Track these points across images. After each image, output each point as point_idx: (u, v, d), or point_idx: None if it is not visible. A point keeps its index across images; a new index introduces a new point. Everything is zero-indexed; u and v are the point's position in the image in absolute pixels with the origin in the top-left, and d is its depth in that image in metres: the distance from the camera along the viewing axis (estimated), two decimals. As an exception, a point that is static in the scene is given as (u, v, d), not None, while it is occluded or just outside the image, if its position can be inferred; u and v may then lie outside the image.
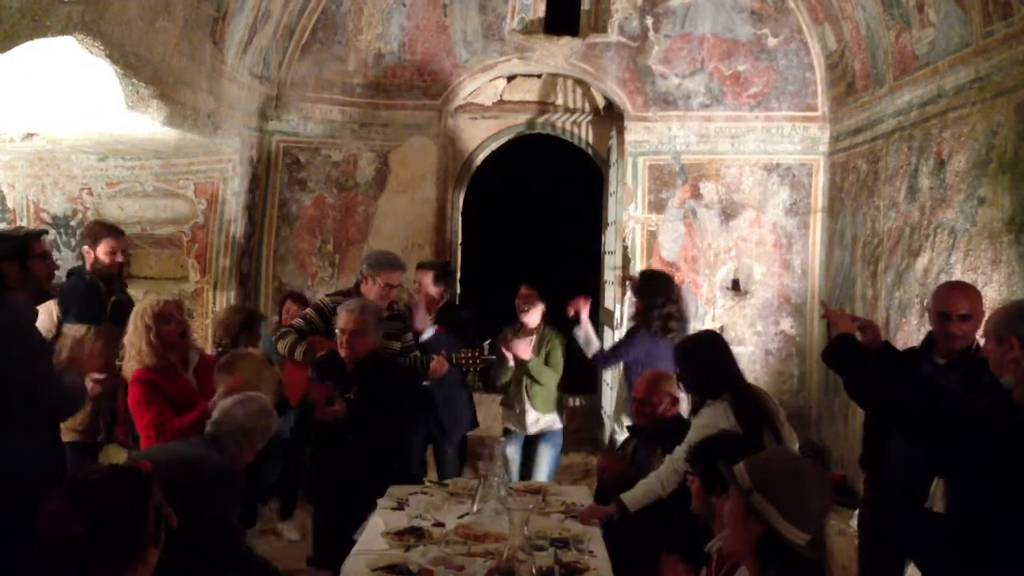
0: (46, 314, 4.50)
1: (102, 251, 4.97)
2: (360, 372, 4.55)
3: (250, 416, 3.53)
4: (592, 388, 8.63)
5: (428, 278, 5.83)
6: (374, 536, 3.74)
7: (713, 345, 4.29)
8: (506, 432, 5.85)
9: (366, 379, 4.52)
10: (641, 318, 5.73)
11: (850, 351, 3.30)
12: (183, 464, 3.22)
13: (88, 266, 4.97)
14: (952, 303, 3.75)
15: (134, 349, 4.04)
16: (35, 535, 1.96)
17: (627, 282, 6.79)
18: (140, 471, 2.09)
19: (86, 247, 5.01)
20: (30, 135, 6.23)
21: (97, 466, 2.56)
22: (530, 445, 5.83)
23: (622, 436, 5.36)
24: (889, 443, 3.82)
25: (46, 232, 3.94)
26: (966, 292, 3.84)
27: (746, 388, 4.13)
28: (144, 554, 1.99)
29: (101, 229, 5.10)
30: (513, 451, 5.75)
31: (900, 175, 5.95)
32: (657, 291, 5.71)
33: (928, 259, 5.51)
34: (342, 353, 4.58)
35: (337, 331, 4.61)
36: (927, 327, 5.33)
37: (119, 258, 5.05)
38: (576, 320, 5.83)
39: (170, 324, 4.08)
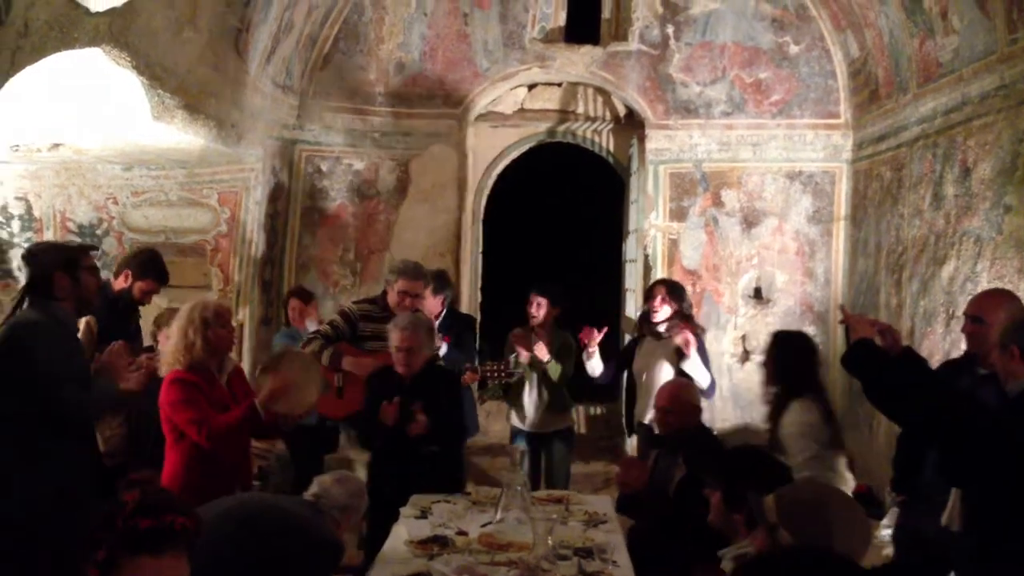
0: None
1: (139, 287, 4.95)
2: (418, 385, 4.57)
3: (351, 494, 3.54)
4: (612, 396, 8.60)
5: (427, 290, 5.82)
6: (398, 545, 3.74)
7: (810, 343, 4.48)
8: (514, 433, 5.91)
9: (425, 392, 4.55)
10: (690, 325, 5.65)
11: (869, 356, 3.27)
12: (293, 522, 3.22)
13: (115, 288, 4.90)
14: (969, 305, 3.78)
15: (178, 346, 3.91)
16: None
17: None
18: None
19: (128, 271, 4.91)
20: (56, 145, 6.30)
21: None
22: (539, 444, 5.84)
23: None
24: (924, 462, 3.78)
25: (96, 248, 3.95)
26: (984, 296, 3.86)
27: (824, 391, 4.29)
28: None
29: (153, 269, 5.03)
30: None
31: (924, 183, 5.91)
32: (686, 298, 5.78)
33: (954, 267, 5.47)
34: (399, 370, 4.60)
35: (392, 349, 4.62)
36: (952, 336, 5.32)
37: (146, 300, 5.05)
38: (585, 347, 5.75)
39: (225, 328, 4.03)
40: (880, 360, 3.24)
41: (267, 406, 3.91)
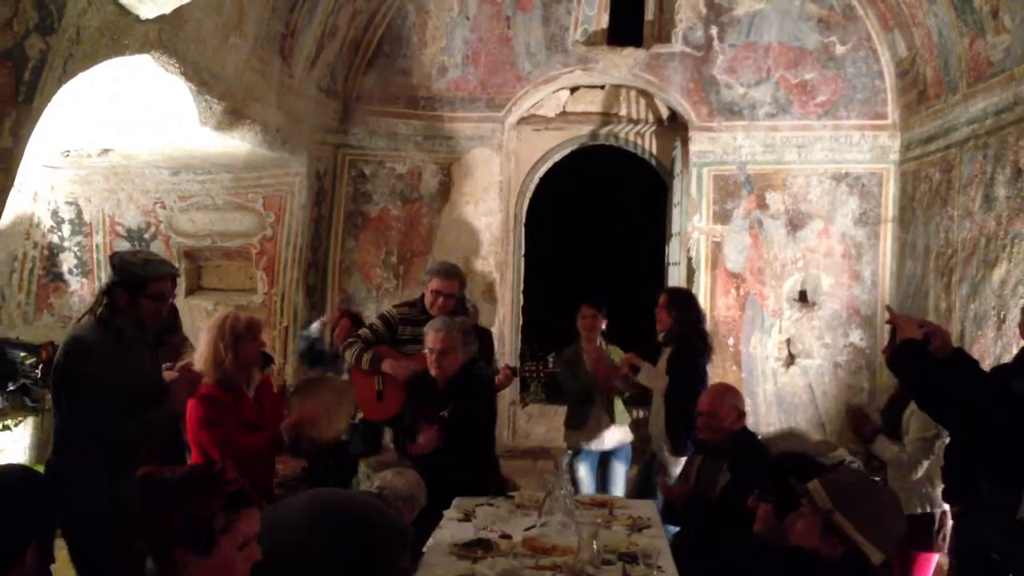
0: None
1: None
2: (452, 389, 4.56)
3: (411, 485, 3.67)
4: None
5: None
6: (441, 548, 3.75)
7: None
8: (578, 452, 5.65)
9: (459, 396, 4.54)
10: (683, 339, 5.26)
11: (916, 357, 3.18)
12: (368, 509, 3.28)
13: None
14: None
15: (208, 361, 3.84)
16: None
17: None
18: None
19: None
20: (106, 151, 6.41)
21: None
22: (603, 461, 5.71)
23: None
24: (979, 471, 3.68)
25: (175, 274, 3.86)
26: None
27: None
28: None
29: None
30: (586, 471, 5.61)
31: (975, 184, 5.81)
32: (693, 308, 5.44)
33: (1005, 270, 5.36)
34: (432, 372, 4.59)
35: (426, 351, 4.63)
36: (1004, 340, 5.22)
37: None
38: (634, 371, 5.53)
39: (255, 343, 3.95)
40: (927, 361, 3.15)
41: (293, 431, 3.87)
